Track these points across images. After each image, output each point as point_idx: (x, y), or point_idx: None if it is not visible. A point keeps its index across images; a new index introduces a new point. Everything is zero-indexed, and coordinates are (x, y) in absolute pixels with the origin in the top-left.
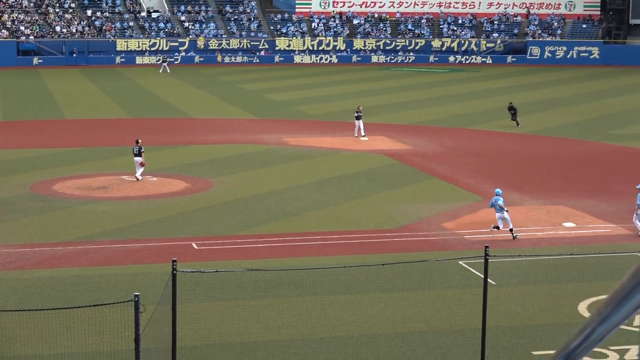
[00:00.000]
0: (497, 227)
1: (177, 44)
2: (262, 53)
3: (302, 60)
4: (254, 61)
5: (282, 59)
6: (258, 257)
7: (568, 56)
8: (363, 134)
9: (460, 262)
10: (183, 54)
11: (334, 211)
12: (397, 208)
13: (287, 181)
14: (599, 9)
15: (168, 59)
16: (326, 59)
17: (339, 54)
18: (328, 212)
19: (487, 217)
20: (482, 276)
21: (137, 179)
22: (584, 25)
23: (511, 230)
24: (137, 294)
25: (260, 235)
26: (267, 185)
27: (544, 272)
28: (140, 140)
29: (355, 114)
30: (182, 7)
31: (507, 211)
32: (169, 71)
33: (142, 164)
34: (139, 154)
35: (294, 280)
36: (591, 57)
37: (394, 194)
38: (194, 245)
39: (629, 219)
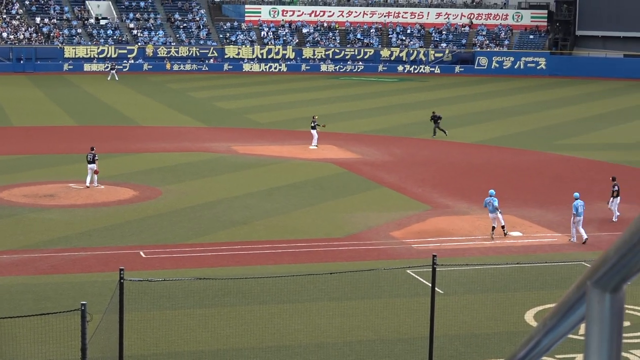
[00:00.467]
0: (494, 228)
1: (125, 51)
2: (211, 61)
3: (251, 69)
4: (203, 69)
5: (231, 67)
6: (206, 266)
7: (515, 67)
8: (315, 143)
9: (408, 271)
10: (132, 61)
11: (282, 220)
12: (345, 217)
13: (236, 190)
14: (546, 20)
15: (116, 67)
16: (275, 68)
17: (288, 62)
18: (277, 220)
19: (435, 226)
20: (430, 285)
21: (87, 186)
22: (531, 36)
23: (503, 227)
24: (83, 303)
25: (208, 244)
26: (216, 193)
27: (491, 281)
28: (94, 148)
29: (312, 124)
30: (131, 15)
31: (500, 212)
32: (117, 79)
33: (96, 172)
34: (92, 161)
35: (243, 289)
36: (538, 67)
37: (343, 203)
38: (141, 253)
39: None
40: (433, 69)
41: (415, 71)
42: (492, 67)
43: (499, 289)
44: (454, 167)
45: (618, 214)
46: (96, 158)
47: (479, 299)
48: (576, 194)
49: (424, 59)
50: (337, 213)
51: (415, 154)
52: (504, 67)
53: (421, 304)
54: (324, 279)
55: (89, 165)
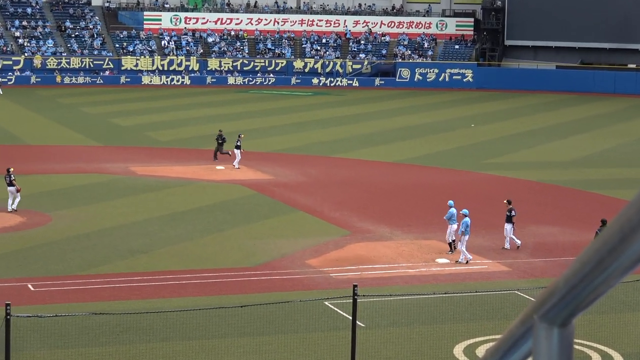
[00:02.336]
0: (452, 244)
1: (10, 62)
2: (107, 73)
3: (151, 81)
4: (98, 82)
5: (128, 79)
6: (102, 300)
7: (440, 79)
8: (237, 163)
9: (327, 303)
10: (18, 73)
11: (187, 248)
12: (257, 244)
13: (134, 215)
14: (473, 29)
15: (0, 80)
16: (178, 80)
17: (192, 74)
18: (181, 248)
19: (353, 252)
20: (351, 318)
21: (14, 210)
22: (457, 46)
23: (451, 243)
24: None
25: (104, 275)
26: (113, 219)
27: (417, 312)
28: (12, 169)
29: (237, 142)
30: (17, 22)
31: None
32: (1, 92)
33: (18, 190)
34: (11, 184)
35: (143, 325)
36: (464, 80)
37: (254, 229)
38: (29, 286)
39: (506, 253)
40: (351, 82)
41: (332, 84)
42: (415, 79)
43: (426, 321)
44: (375, 189)
45: (518, 241)
46: (13, 179)
47: (403, 332)
48: (464, 211)
49: (340, 70)
50: (247, 240)
51: (333, 174)
52: (428, 80)
53: (341, 339)
54: (233, 313)
55: (9, 188)
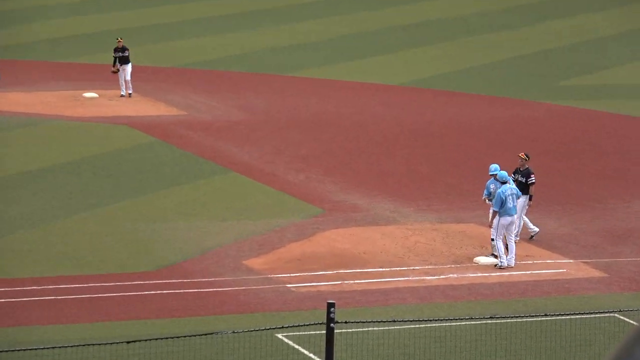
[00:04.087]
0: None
1: None
2: None
3: None
4: None
5: None
6: None
7: None
8: (127, 91)
9: (279, 335)
10: None
11: (31, 239)
12: (157, 230)
13: None
14: None
15: None
16: None
17: None
18: (20, 240)
19: (328, 245)
20: None
21: None
22: None
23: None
24: None
25: None
26: None
27: (441, 350)
28: None
29: (118, 54)
30: None
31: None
32: None
33: None
34: None
35: None
36: None
37: (151, 204)
38: None
39: (600, 248)
40: None
41: None
42: None
43: None
44: (366, 134)
45: (534, 228)
46: None
47: None
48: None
49: None
50: (140, 223)
51: (291, 108)
52: None
53: None
54: (115, 353)
55: None
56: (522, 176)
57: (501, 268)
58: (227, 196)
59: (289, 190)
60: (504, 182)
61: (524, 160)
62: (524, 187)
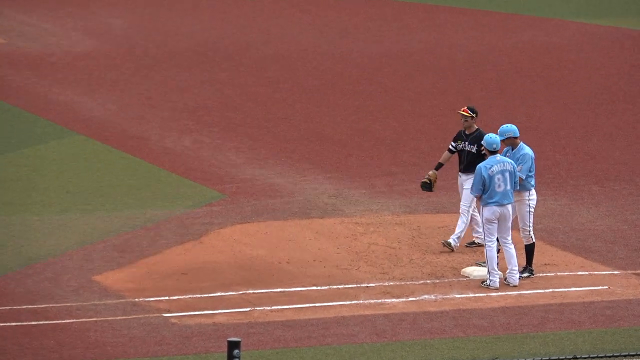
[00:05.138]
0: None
1: None
2: None
3: None
4: None
5: None
6: None
7: None
8: None
9: None
10: None
11: None
12: None
13: None
14: None
15: None
16: None
17: None
18: None
19: (230, 250)
20: None
21: None
22: None
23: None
24: None
25: None
26: None
27: None
28: None
29: None
30: None
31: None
32: None
33: None
34: None
35: None
36: None
37: None
38: None
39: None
40: None
41: None
42: None
43: None
44: (291, 70)
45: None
46: None
47: None
48: (490, 136)
49: None
50: None
51: (173, 30)
52: None
53: None
54: None
55: None
56: (470, 143)
57: (489, 287)
58: (69, 173)
59: (168, 164)
60: (493, 152)
61: (469, 119)
62: (474, 161)
